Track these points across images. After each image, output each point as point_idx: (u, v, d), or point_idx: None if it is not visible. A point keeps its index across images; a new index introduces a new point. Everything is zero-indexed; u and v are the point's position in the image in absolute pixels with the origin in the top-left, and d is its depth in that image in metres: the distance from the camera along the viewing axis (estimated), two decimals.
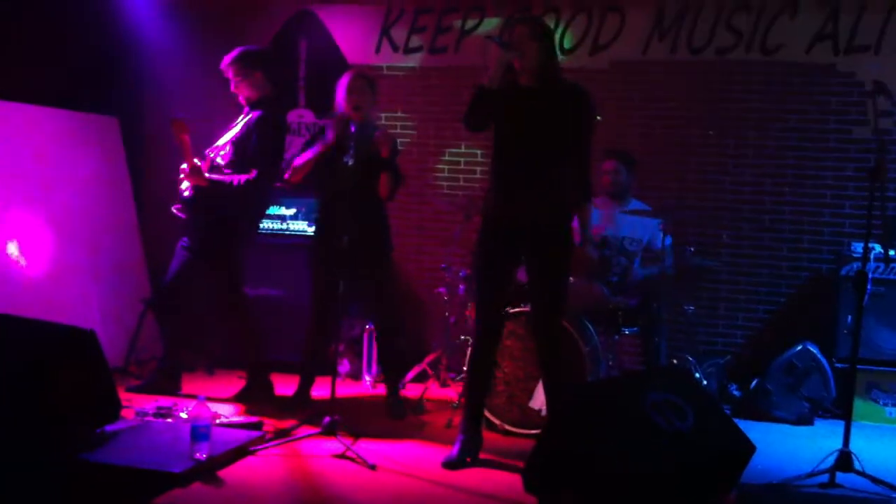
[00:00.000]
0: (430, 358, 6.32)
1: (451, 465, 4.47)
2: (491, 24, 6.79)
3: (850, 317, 5.27)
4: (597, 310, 5.47)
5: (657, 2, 6.62)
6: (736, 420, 4.34)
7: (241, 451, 4.44)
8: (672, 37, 6.60)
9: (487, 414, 4.99)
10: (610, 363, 5.42)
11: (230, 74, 5.47)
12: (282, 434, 4.82)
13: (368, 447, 4.69)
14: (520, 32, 4.44)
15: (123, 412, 4.63)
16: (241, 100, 5.54)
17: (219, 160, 5.44)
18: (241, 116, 5.53)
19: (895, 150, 6.14)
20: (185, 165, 5.31)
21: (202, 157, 5.43)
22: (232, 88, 5.52)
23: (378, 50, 7.20)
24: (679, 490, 3.64)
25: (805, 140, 6.41)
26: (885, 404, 5.73)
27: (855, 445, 4.39)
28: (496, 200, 4.53)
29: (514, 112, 4.43)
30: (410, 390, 5.94)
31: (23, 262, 5.95)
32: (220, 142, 5.51)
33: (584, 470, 3.61)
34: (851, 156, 6.32)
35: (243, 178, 5.31)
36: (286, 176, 5.35)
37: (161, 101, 7.13)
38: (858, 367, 4.79)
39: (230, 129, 5.52)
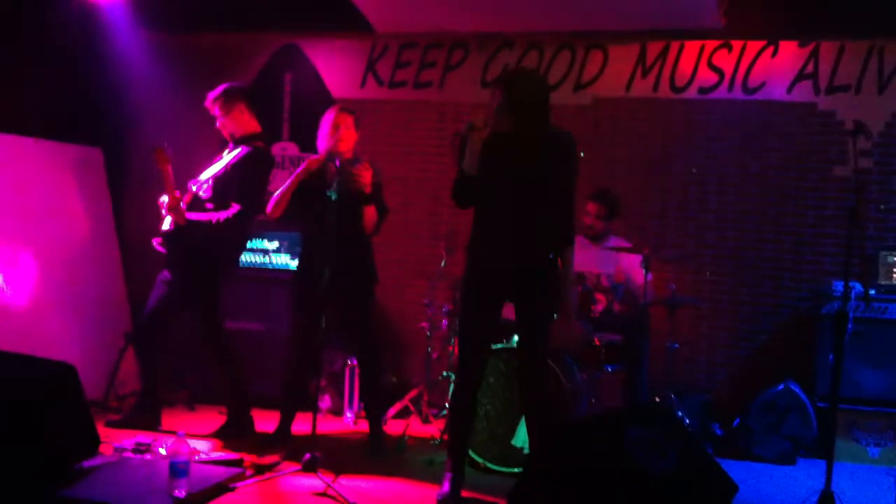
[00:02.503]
0: (412, 394, 6.29)
1: (445, 502, 4.40)
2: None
3: (830, 355, 5.27)
4: (579, 347, 5.46)
5: (639, 40, 6.69)
6: (717, 458, 4.33)
7: (221, 488, 4.40)
8: (655, 75, 6.67)
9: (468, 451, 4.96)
10: (592, 400, 5.41)
11: (214, 111, 5.50)
12: (262, 470, 4.78)
13: (350, 484, 4.65)
14: (494, 97, 4.34)
15: (102, 448, 4.58)
16: (226, 136, 5.55)
17: (201, 193, 5.43)
18: (227, 151, 5.53)
19: (875, 190, 6.23)
20: (165, 198, 5.30)
21: (184, 190, 5.42)
22: (217, 125, 5.54)
23: (363, 84, 7.24)
24: None
25: (786, 178, 6.47)
26: (867, 444, 5.73)
27: (837, 485, 4.38)
28: (482, 246, 4.50)
29: (499, 159, 4.38)
30: (392, 427, 5.90)
31: (6, 289, 5.91)
32: (203, 176, 5.49)
33: None
34: (831, 195, 6.37)
35: (223, 216, 5.30)
36: (267, 210, 5.33)
37: (146, 133, 7.09)
38: (840, 406, 4.79)
39: (214, 163, 5.51)
